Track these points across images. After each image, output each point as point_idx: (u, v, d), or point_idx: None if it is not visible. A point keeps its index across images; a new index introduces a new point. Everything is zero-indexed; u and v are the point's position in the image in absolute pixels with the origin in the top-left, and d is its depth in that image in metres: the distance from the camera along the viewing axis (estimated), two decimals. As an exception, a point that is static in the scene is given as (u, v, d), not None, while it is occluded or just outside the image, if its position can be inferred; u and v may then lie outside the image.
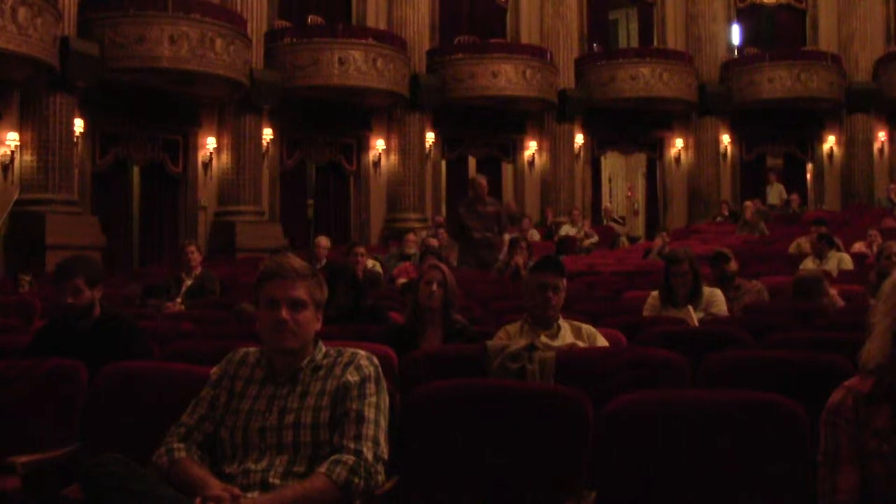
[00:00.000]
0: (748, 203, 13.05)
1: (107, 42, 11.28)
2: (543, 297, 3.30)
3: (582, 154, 16.87)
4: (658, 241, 10.24)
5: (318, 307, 2.22)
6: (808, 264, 7.15)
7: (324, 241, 8.45)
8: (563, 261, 3.56)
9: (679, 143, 17.30)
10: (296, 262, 2.22)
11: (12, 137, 11.23)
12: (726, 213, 15.25)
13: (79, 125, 11.75)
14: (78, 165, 11.83)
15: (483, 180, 8.49)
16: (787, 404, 2.20)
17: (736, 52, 17.93)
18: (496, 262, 8.18)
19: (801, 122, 17.08)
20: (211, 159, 13.43)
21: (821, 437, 1.94)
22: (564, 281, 3.39)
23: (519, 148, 16.66)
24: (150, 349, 3.52)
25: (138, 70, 11.54)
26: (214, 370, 2.28)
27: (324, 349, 2.25)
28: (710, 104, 16.69)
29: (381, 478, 2.11)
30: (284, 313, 2.14)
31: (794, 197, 15.17)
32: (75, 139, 11.67)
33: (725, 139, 17.35)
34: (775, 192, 16.02)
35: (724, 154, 17.41)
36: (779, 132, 17.21)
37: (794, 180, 17.26)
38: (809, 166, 17.84)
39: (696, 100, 16.60)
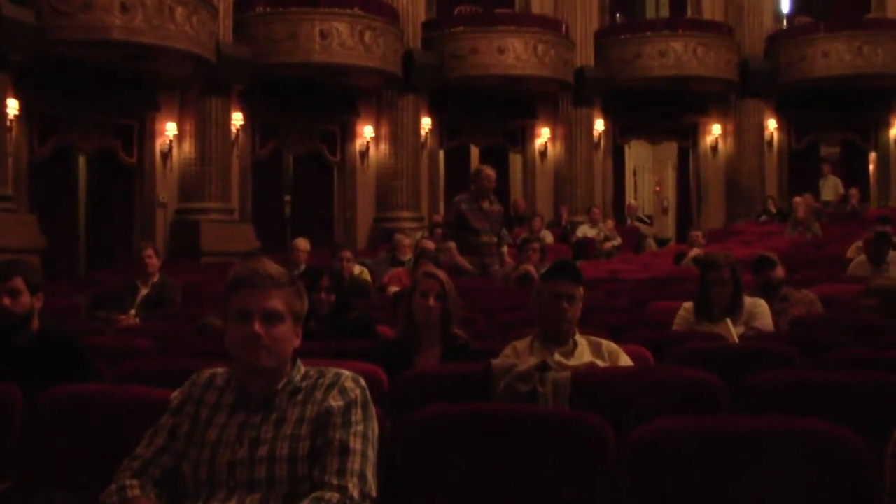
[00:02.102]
0: (799, 199, 13.06)
1: (46, 9, 11.23)
2: (557, 309, 3.31)
3: (602, 143, 16.89)
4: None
5: (298, 320, 2.24)
6: (859, 270, 7.12)
7: (303, 244, 8.49)
8: (580, 266, 3.57)
9: (716, 129, 17.33)
10: (271, 267, 2.23)
11: (-67, 122, 11.24)
12: (772, 210, 15.27)
13: (13, 107, 11.72)
14: (12, 154, 11.79)
15: (491, 172, 8.29)
16: (846, 435, 2.19)
17: (785, 22, 17.93)
18: (495, 273, 8.10)
19: (863, 103, 17.01)
20: (171, 148, 13.44)
21: (885, 474, 1.94)
22: (581, 290, 3.40)
23: (529, 136, 16.69)
24: (98, 369, 3.53)
25: (84, 43, 11.50)
26: (175, 394, 2.29)
27: (303, 369, 2.26)
28: (753, 84, 16.71)
29: (368, 518, 2.12)
30: (258, 327, 2.15)
31: (854, 192, 15.14)
32: (9, 123, 11.64)
33: (771, 125, 17.38)
34: (830, 186, 16.01)
35: (770, 142, 17.43)
36: (835, 116, 17.16)
37: (853, 172, 17.26)
38: (872, 155, 17.83)
39: (736, 79, 16.62)
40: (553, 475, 2.35)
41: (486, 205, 8.06)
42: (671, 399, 2.85)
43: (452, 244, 8.05)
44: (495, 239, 8.18)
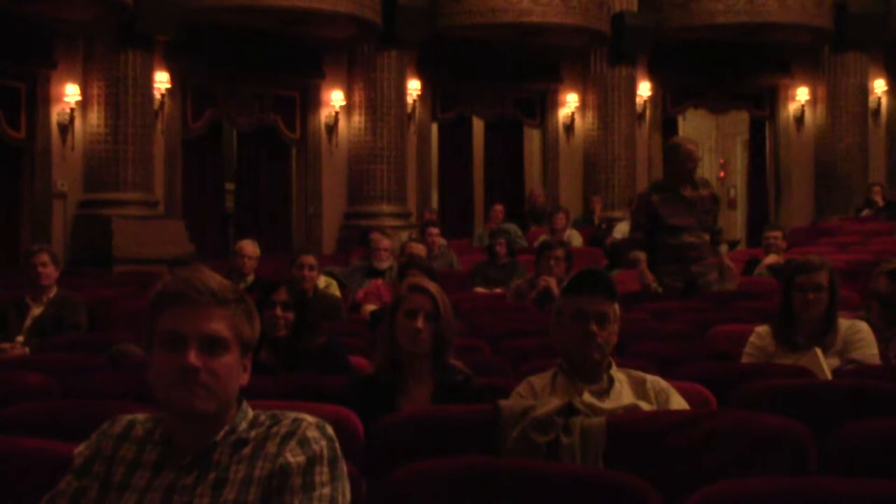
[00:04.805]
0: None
1: None
2: (584, 333, 3.31)
3: (648, 113, 16.92)
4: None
5: (246, 349, 2.24)
6: None
7: (250, 248, 8.48)
8: (615, 277, 3.58)
9: (802, 94, 17.35)
10: (211, 279, 2.23)
11: None
12: (879, 202, 15.26)
13: None
14: None
15: (693, 146, 7.77)
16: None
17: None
18: (709, 285, 7.69)
19: None
20: (73, 119, 13.44)
21: None
22: (617, 307, 3.41)
23: (551, 104, 16.71)
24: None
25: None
26: (80, 449, 2.28)
27: (251, 414, 2.26)
28: (853, 32, 16.58)
29: None
30: (194, 358, 2.15)
31: None
32: None
33: (878, 87, 17.37)
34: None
35: (877, 111, 17.44)
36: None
37: None
38: None
39: (830, 26, 16.55)
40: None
41: (688, 191, 7.72)
42: (741, 454, 2.86)
43: (642, 255, 7.63)
44: (707, 237, 7.76)
